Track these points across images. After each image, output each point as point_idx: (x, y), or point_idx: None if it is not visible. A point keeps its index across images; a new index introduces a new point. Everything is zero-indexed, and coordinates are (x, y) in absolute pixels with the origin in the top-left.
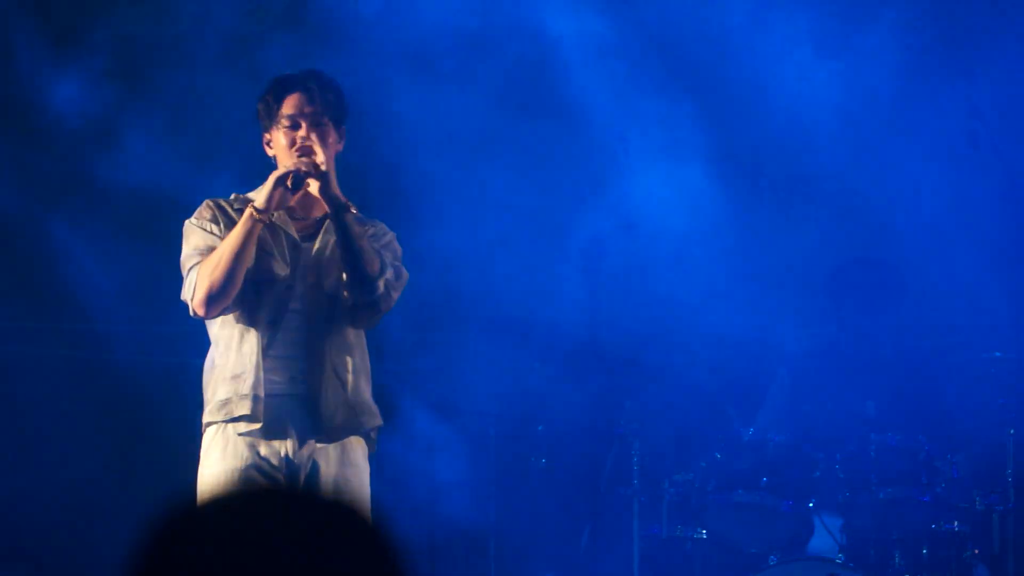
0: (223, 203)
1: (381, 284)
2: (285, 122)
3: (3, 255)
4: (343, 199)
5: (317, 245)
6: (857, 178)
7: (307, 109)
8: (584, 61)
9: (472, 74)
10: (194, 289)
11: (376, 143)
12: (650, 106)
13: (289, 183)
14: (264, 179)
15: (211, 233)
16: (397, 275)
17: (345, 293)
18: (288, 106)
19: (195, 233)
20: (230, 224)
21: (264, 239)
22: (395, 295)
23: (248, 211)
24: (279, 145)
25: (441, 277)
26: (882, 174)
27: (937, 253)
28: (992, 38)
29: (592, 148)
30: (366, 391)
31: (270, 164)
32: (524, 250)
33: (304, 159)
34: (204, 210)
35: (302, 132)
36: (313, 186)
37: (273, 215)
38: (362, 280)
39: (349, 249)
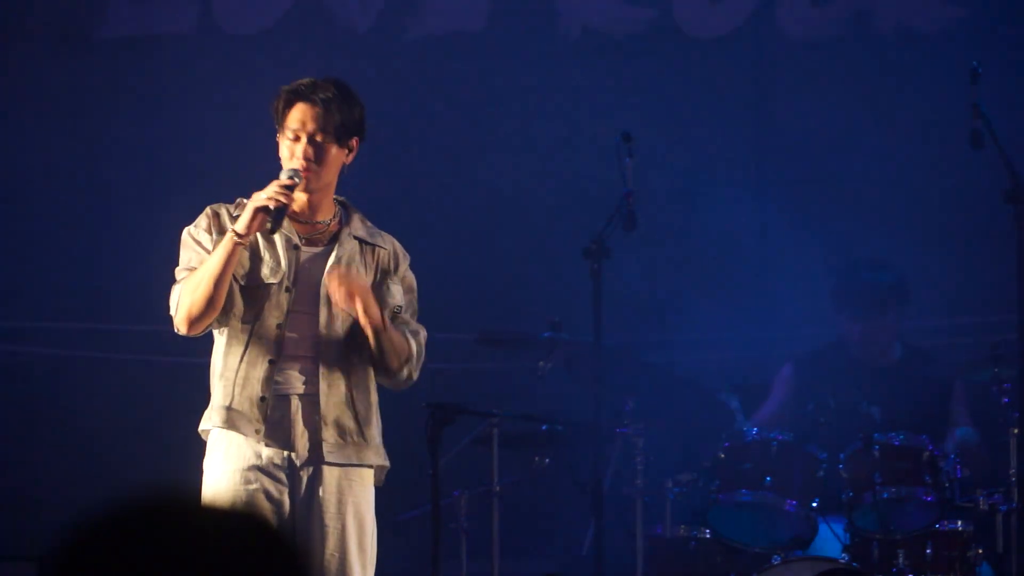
0: (223, 211)
1: (404, 372)
2: (288, 132)
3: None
4: (378, 315)
5: (331, 259)
6: (857, 179)
7: (309, 125)
8: (588, 58)
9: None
10: (176, 307)
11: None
12: (655, 101)
13: (268, 223)
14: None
15: (202, 248)
16: (419, 353)
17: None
18: (292, 117)
19: (187, 247)
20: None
21: (259, 244)
22: (417, 371)
23: (229, 235)
24: (281, 154)
25: (442, 276)
26: (882, 175)
27: (939, 253)
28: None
29: (593, 145)
30: (377, 429)
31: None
32: (526, 248)
33: (283, 194)
34: (202, 219)
35: (300, 146)
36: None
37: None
38: (385, 373)
39: (379, 349)
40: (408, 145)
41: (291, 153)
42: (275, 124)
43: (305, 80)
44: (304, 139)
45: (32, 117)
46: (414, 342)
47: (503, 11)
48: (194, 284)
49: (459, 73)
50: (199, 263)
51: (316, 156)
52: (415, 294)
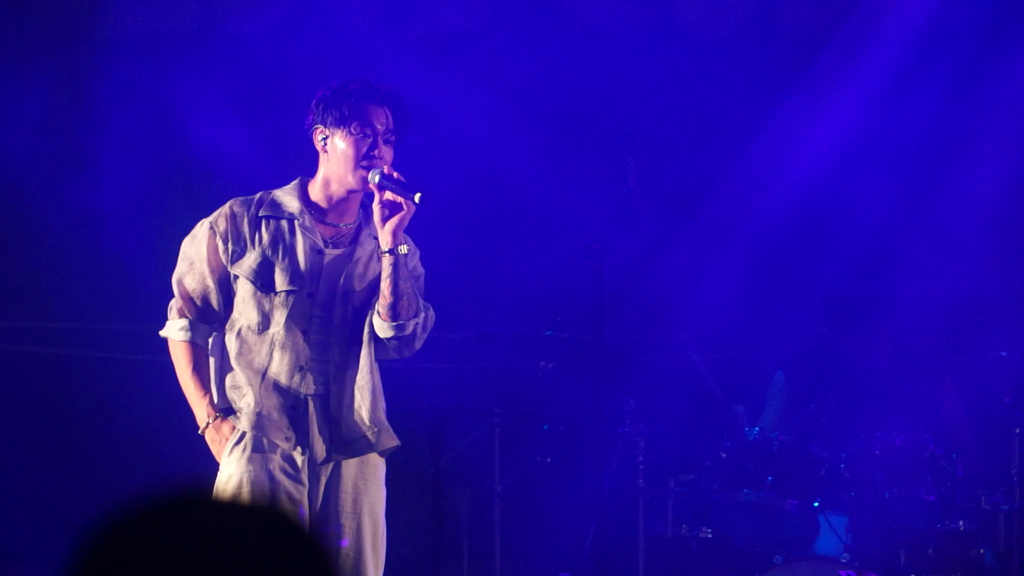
0: (242, 210)
1: (410, 326)
2: (359, 129)
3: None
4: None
5: (352, 256)
6: (858, 178)
7: (381, 127)
8: (588, 57)
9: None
10: (167, 338)
11: None
12: (655, 100)
13: (417, 199)
14: (291, 175)
15: (209, 269)
16: (426, 321)
17: (373, 320)
18: (369, 115)
19: (184, 258)
20: (246, 237)
21: (280, 249)
22: (420, 340)
23: (207, 417)
24: (341, 150)
25: (442, 276)
26: (883, 175)
27: (941, 253)
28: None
29: (594, 144)
30: (383, 411)
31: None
32: (527, 247)
33: (394, 191)
34: (220, 220)
35: (378, 151)
36: (395, 218)
37: (306, 220)
38: (394, 318)
39: (395, 290)
40: (408, 145)
41: (358, 151)
42: (328, 113)
43: (376, 83)
44: (380, 141)
45: (32, 116)
46: (424, 304)
47: (503, 11)
48: (177, 369)
49: (459, 73)
50: (193, 282)
51: (391, 158)
52: (422, 283)
